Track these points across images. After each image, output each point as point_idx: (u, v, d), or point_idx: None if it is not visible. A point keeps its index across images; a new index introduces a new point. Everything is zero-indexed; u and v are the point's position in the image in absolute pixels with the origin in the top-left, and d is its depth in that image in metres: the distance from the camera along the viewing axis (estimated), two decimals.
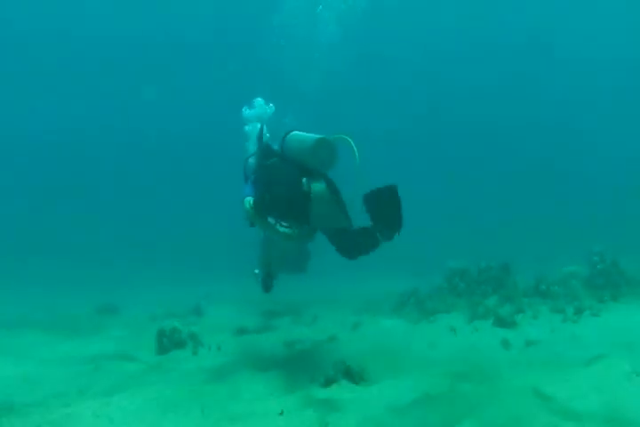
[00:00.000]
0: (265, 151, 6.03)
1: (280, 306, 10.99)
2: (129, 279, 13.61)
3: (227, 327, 9.27)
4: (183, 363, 6.29)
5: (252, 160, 6.23)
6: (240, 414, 4.52)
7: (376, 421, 4.22)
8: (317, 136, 5.49)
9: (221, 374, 5.86)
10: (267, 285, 6.66)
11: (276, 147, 5.99)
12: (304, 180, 5.47)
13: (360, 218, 5.37)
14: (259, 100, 7.15)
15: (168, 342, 7.18)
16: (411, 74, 28.90)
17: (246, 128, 6.96)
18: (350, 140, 5.37)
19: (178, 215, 24.81)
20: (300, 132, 5.69)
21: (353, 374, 5.38)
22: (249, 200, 5.74)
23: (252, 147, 6.61)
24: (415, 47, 28.19)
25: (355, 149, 5.31)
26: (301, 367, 6.04)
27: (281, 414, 4.50)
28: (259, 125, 6.64)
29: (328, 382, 5.29)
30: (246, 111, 7.12)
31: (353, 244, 5.42)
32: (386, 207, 5.18)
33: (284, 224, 5.67)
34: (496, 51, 28.75)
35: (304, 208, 5.47)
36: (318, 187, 5.42)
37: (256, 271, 6.69)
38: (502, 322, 7.51)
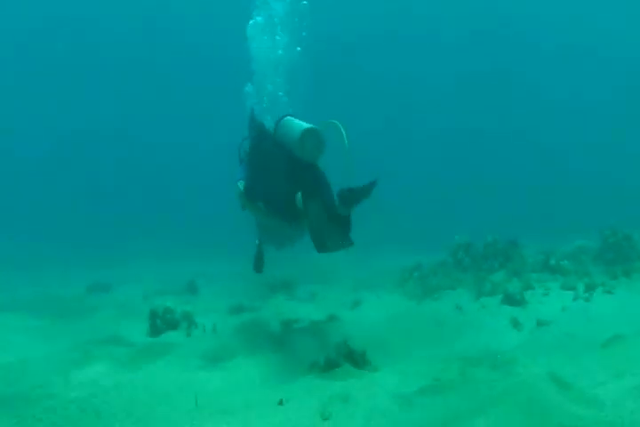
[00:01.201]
0: (258, 133, 5.95)
1: (276, 283, 10.68)
2: (121, 257, 13.23)
3: (221, 306, 8.97)
4: (176, 346, 5.95)
5: (245, 143, 6.23)
6: (236, 405, 4.19)
7: (383, 412, 3.89)
8: (305, 126, 5.38)
9: (216, 358, 5.54)
10: (258, 263, 6.47)
11: (270, 127, 5.95)
12: (298, 195, 5.59)
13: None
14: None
15: (161, 323, 6.85)
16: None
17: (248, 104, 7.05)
18: (339, 124, 5.31)
19: (170, 192, 24.43)
20: (292, 119, 5.64)
21: (356, 358, 5.05)
22: (241, 184, 5.83)
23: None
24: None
25: (344, 134, 5.26)
26: (300, 350, 5.73)
27: (280, 404, 4.18)
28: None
29: (330, 367, 4.96)
30: (248, 87, 7.19)
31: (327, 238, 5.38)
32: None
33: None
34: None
35: (296, 218, 5.73)
36: (314, 209, 5.44)
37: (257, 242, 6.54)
38: (511, 300, 7.18)
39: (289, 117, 5.74)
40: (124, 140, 29.40)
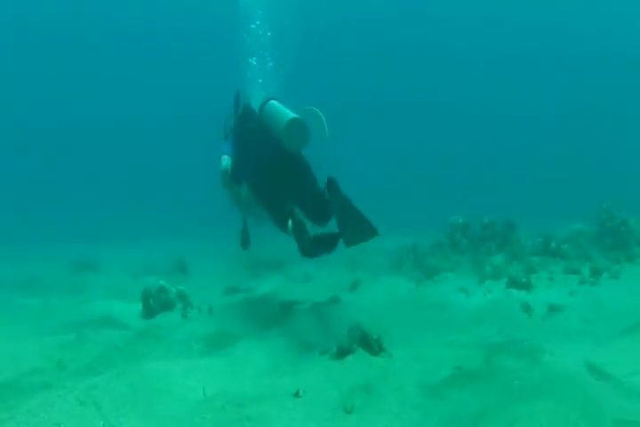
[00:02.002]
0: (244, 113, 5.92)
1: (267, 262, 10.37)
2: (105, 234, 12.72)
3: (215, 286, 8.64)
4: (173, 330, 5.58)
5: (231, 121, 6.17)
6: (248, 395, 3.87)
7: (412, 405, 3.62)
8: (289, 116, 5.24)
9: (217, 343, 5.19)
10: (244, 239, 6.24)
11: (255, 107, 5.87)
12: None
13: None
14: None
15: (155, 304, 6.48)
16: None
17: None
18: (320, 112, 5.25)
19: (155, 170, 23.80)
20: (278, 105, 5.53)
21: (371, 344, 4.76)
22: (226, 159, 5.81)
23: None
24: None
25: (324, 122, 5.20)
26: (306, 334, 5.42)
27: (297, 395, 3.88)
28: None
29: (343, 353, 4.66)
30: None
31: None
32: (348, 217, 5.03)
33: None
34: None
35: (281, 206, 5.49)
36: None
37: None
38: (516, 283, 6.96)
39: (274, 102, 5.56)
40: (106, 118, 28.50)
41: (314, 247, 5.07)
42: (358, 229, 5.07)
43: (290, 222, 5.14)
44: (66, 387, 3.77)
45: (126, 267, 9.75)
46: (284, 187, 5.47)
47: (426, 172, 18.24)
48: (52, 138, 27.06)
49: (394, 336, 5.21)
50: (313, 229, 5.37)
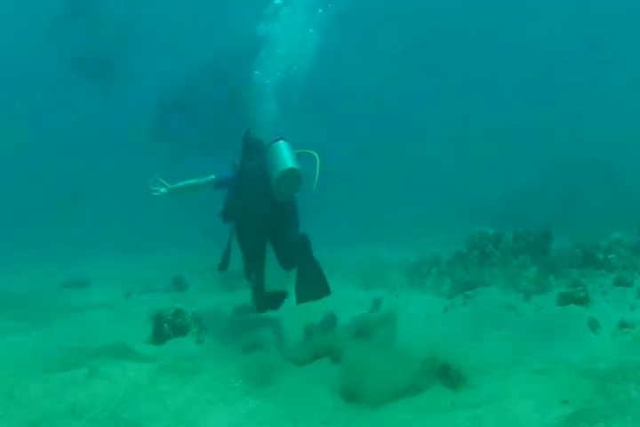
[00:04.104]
0: (250, 150, 5.93)
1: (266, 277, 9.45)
2: (92, 251, 11.64)
3: (222, 305, 7.73)
4: (196, 362, 4.66)
5: (239, 155, 6.15)
6: None
7: None
8: (286, 166, 5.31)
9: (253, 380, 4.27)
10: (224, 261, 6.00)
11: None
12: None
13: None
14: None
15: (169, 329, 5.58)
16: None
17: None
18: (317, 158, 5.42)
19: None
20: (282, 148, 5.56)
21: (451, 375, 3.97)
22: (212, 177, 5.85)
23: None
24: None
25: (317, 171, 5.35)
26: (360, 366, 4.53)
27: None
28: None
29: (417, 390, 3.86)
30: None
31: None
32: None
33: None
34: None
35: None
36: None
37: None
38: (572, 298, 6.24)
39: (281, 143, 5.60)
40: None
41: (262, 306, 5.80)
42: (313, 288, 5.56)
43: (253, 277, 5.68)
44: None
45: (118, 284, 8.76)
46: (264, 231, 5.64)
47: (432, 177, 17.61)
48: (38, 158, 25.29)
49: (464, 365, 4.41)
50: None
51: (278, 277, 5.82)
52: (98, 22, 10.22)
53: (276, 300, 5.72)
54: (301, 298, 5.55)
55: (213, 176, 5.88)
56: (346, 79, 23.26)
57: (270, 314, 6.23)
